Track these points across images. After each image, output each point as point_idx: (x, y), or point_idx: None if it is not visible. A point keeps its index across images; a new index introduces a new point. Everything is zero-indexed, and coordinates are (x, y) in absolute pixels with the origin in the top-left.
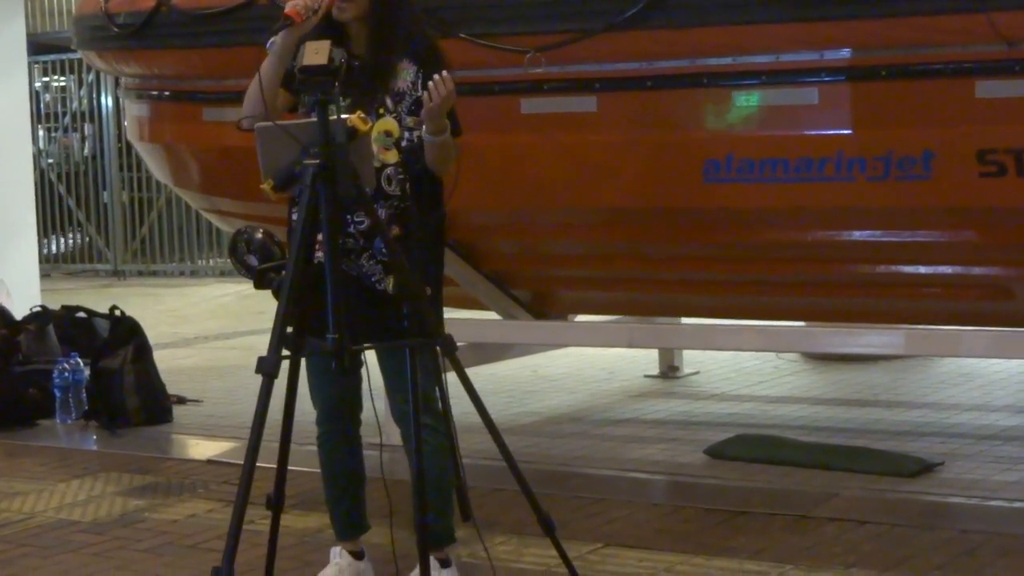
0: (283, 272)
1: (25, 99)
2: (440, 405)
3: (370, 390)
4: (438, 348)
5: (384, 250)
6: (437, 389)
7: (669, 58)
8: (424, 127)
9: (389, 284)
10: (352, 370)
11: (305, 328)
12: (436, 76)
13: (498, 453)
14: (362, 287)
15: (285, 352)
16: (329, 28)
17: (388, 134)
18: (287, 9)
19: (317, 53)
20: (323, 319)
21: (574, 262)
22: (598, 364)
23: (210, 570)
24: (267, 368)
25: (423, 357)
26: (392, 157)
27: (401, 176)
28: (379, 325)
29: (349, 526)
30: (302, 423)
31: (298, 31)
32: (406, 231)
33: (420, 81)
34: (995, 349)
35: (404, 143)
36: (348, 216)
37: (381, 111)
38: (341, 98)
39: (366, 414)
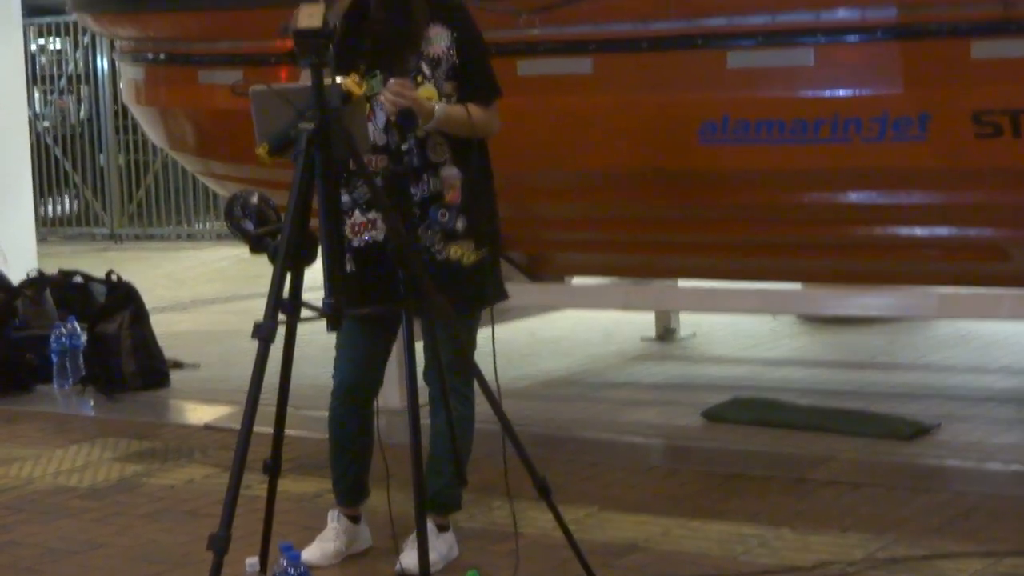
0: (279, 236)
1: (21, 61)
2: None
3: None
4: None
5: (441, 218)
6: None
7: (664, 19)
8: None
9: (450, 253)
10: (383, 346)
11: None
12: (391, 81)
13: (494, 416)
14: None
15: (281, 317)
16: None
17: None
18: None
19: (311, 17)
20: (363, 291)
21: (570, 224)
22: (594, 326)
23: (207, 535)
24: (263, 333)
25: (460, 323)
26: None
27: (442, 143)
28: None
29: (352, 493)
30: (299, 387)
31: (343, 6)
32: (461, 196)
33: (455, 46)
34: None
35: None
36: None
37: (420, 79)
38: (378, 72)
39: None
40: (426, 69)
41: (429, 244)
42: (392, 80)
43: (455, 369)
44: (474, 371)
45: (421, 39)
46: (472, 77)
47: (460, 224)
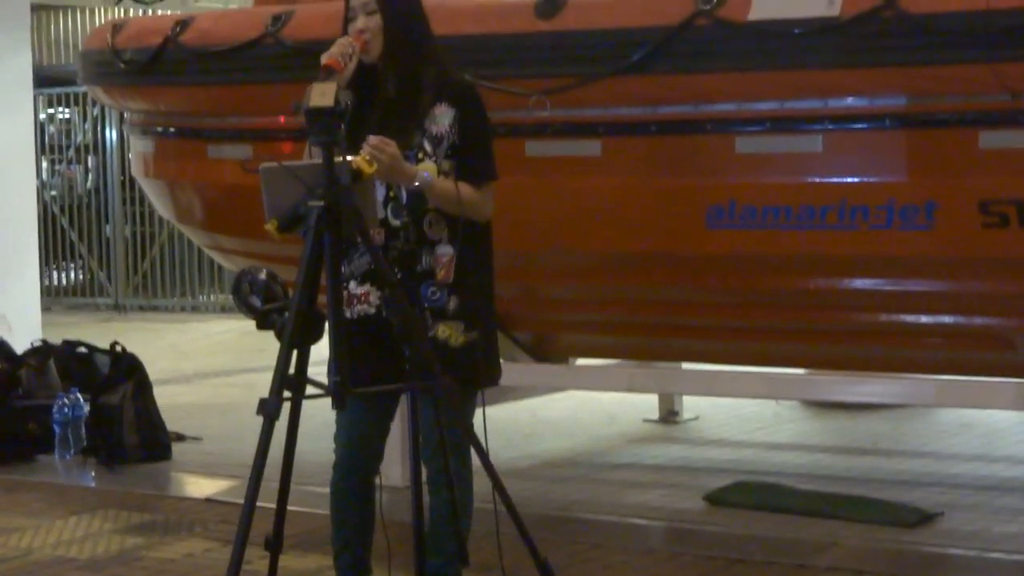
0: (286, 313)
1: (30, 131)
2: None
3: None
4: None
5: (432, 296)
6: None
7: (673, 103)
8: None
9: (437, 332)
10: (381, 421)
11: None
12: (371, 137)
13: (496, 496)
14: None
15: (287, 394)
16: (362, 74)
17: None
18: (325, 60)
19: (323, 95)
20: (364, 368)
21: (575, 306)
22: (598, 408)
23: None
24: (268, 411)
25: (458, 403)
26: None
27: (440, 221)
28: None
29: (352, 570)
30: (300, 463)
31: (341, 80)
32: (453, 276)
33: (457, 126)
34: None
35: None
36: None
37: (421, 156)
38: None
39: None
40: (428, 146)
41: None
42: (371, 136)
43: (450, 450)
44: (477, 449)
45: (425, 116)
46: (468, 157)
47: (451, 304)
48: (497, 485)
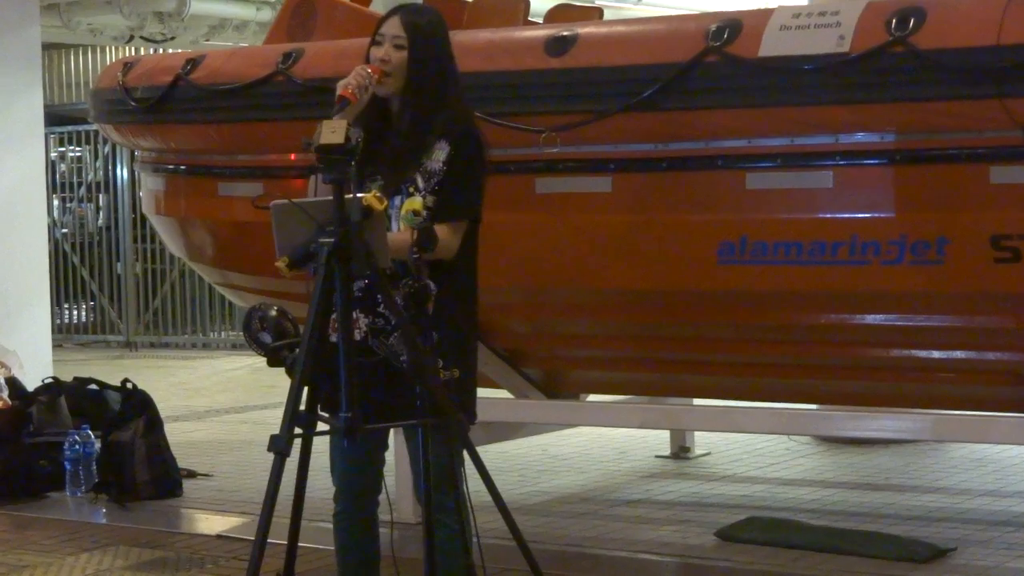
0: (296, 350)
1: (41, 169)
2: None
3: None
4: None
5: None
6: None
7: (684, 140)
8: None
9: None
10: (374, 450)
11: (325, 406)
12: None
13: (508, 532)
14: (388, 366)
15: (298, 430)
16: (374, 105)
17: (415, 213)
18: (340, 91)
19: (334, 132)
20: (336, 388)
21: (587, 342)
22: (609, 444)
23: None
24: (280, 446)
25: (448, 438)
26: None
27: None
28: (402, 405)
29: None
30: (313, 499)
31: (355, 111)
32: (432, 311)
33: (448, 163)
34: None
35: (423, 222)
36: (378, 296)
37: (412, 190)
38: (379, 177)
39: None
40: (420, 181)
41: (398, 352)
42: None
43: (442, 487)
44: (488, 484)
45: (423, 153)
46: (447, 191)
47: (432, 339)
48: (505, 515)
